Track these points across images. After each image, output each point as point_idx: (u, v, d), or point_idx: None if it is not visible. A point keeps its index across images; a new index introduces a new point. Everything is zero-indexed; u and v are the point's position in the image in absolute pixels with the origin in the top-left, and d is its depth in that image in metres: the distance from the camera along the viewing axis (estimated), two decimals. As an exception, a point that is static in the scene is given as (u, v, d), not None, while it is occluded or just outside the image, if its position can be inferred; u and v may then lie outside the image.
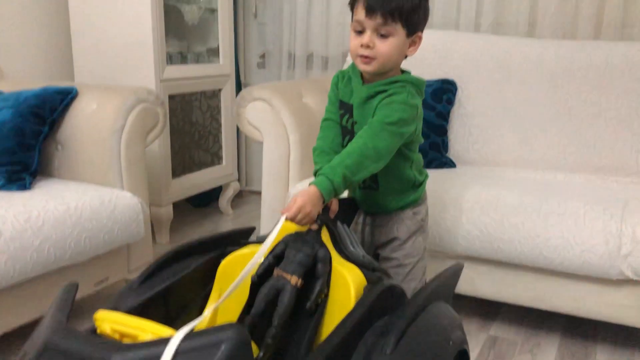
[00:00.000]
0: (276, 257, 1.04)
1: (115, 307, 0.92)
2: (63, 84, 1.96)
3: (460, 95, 2.19)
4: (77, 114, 1.84)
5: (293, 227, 1.07)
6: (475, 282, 1.73)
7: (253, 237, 1.24)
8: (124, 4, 2.34)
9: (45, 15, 2.53)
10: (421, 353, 0.93)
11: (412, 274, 1.35)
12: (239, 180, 3.02)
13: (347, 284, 1.00)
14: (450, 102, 2.18)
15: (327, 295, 1.01)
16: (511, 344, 1.73)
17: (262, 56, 3.12)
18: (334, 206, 1.24)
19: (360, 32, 1.21)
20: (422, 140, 1.33)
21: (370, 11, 1.16)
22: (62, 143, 1.86)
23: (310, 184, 1.10)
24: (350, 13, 1.24)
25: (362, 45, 1.19)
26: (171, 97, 2.49)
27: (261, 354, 0.94)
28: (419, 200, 1.37)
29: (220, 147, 2.85)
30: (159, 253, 2.31)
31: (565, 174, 1.98)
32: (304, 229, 1.08)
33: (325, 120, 1.37)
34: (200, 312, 1.10)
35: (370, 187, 1.33)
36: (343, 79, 1.34)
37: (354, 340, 0.89)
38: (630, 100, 1.96)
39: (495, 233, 1.63)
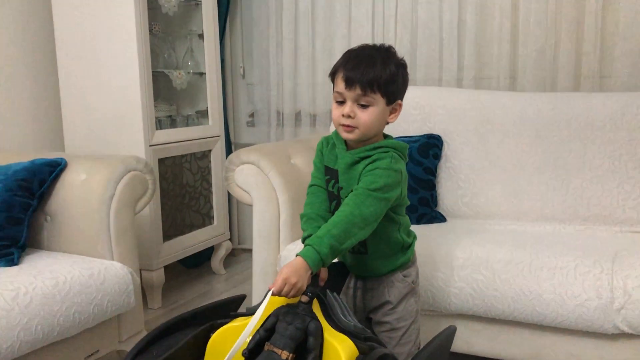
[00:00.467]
0: (267, 331, 1.03)
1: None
2: (53, 154, 1.98)
3: (446, 149, 2.22)
4: (66, 185, 1.85)
5: (283, 300, 1.07)
6: (470, 340, 1.71)
7: (243, 308, 1.23)
8: (113, 72, 2.38)
9: (35, 85, 2.57)
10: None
11: (406, 337, 1.35)
12: (230, 239, 3.01)
13: (338, 356, 0.99)
14: (437, 156, 2.20)
15: (319, 369, 1.00)
16: (511, 403, 1.69)
17: (251, 115, 3.17)
18: (323, 274, 1.24)
19: (341, 102, 1.24)
20: (408, 203, 1.34)
21: (349, 83, 1.20)
22: (51, 214, 1.86)
23: (296, 255, 1.10)
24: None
25: (343, 115, 1.22)
26: (161, 161, 2.51)
27: None
28: (409, 263, 1.37)
29: (212, 207, 2.85)
30: (150, 320, 2.32)
31: (554, 225, 1.99)
32: (294, 301, 1.08)
33: (311, 186, 1.38)
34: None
35: (360, 251, 1.33)
36: (327, 145, 1.36)
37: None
38: (613, 150, 2.00)
39: (488, 290, 1.62)
